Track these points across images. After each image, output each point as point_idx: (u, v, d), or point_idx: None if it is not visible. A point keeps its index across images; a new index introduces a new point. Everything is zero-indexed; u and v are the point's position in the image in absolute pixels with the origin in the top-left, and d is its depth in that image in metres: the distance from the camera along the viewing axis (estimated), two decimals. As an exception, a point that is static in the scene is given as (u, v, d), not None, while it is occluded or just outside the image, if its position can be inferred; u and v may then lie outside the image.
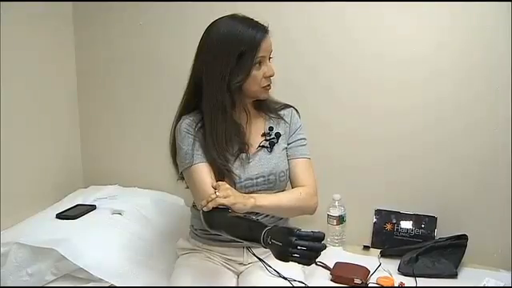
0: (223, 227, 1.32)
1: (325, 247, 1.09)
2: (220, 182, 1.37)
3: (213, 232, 1.41)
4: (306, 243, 1.07)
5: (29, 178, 1.99)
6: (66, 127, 2.23)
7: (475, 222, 1.75)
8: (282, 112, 1.57)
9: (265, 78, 1.44)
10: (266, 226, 1.17)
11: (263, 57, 1.42)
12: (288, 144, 1.55)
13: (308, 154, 1.55)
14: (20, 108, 1.95)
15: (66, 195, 2.08)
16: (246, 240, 1.26)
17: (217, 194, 1.31)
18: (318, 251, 1.08)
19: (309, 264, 1.09)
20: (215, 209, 1.31)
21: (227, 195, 1.32)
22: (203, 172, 1.43)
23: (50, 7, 2.07)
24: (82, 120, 2.27)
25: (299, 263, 1.09)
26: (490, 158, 1.74)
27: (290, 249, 1.07)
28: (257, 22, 1.42)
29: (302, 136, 1.56)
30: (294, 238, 1.08)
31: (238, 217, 1.31)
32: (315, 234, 1.09)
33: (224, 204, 1.30)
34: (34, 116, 2.02)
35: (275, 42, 1.45)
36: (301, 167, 1.53)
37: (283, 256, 1.09)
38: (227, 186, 1.36)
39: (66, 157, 2.22)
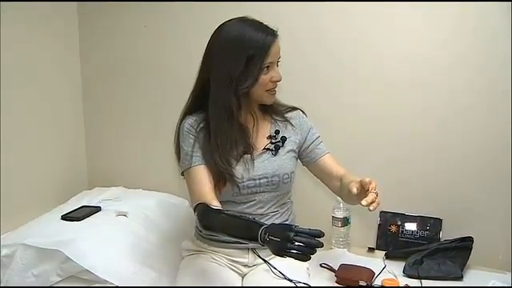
0: (220, 228, 1.32)
1: (322, 245, 1.10)
2: (368, 180, 1.30)
3: (208, 233, 1.41)
4: (304, 239, 1.09)
5: (34, 180, 2.00)
6: (70, 129, 2.23)
7: (481, 223, 1.74)
8: (288, 115, 1.57)
9: (271, 82, 1.44)
10: (263, 224, 1.18)
11: (271, 62, 1.41)
12: (307, 147, 1.55)
13: (327, 149, 1.57)
14: (25, 109, 1.96)
15: (71, 197, 2.09)
16: (243, 239, 1.26)
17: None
18: (314, 248, 1.09)
19: (305, 260, 1.10)
20: (209, 210, 1.33)
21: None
22: (200, 174, 1.43)
23: (55, 8, 2.08)
24: (87, 121, 2.28)
25: (296, 259, 1.10)
26: (496, 159, 1.73)
27: (289, 244, 1.09)
28: (266, 26, 1.42)
29: (316, 135, 1.57)
30: (292, 234, 1.10)
31: (234, 216, 1.32)
32: (312, 231, 1.10)
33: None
34: (38, 117, 2.03)
35: (279, 41, 1.44)
36: (330, 162, 1.55)
37: (281, 251, 1.10)
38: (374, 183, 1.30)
39: (71, 158, 2.23)
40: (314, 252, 1.10)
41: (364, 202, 1.25)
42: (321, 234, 1.11)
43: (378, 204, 1.27)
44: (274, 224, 1.20)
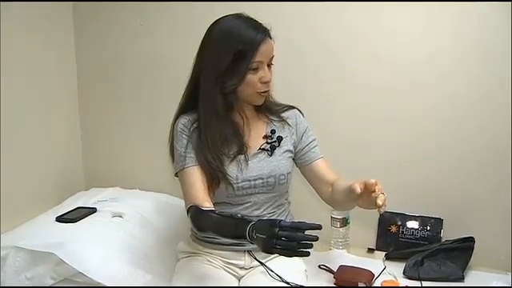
0: (210, 228, 1.30)
1: (316, 238, 1.07)
2: (374, 181, 1.24)
3: (202, 235, 1.39)
4: (289, 234, 1.06)
5: (29, 181, 1.98)
6: (66, 129, 2.22)
7: (482, 224, 1.72)
8: (284, 114, 1.54)
9: (261, 83, 1.40)
10: (251, 221, 1.15)
11: (261, 62, 1.37)
12: (301, 149, 1.52)
13: (321, 153, 1.54)
14: (20, 109, 1.93)
15: (67, 198, 2.07)
16: (233, 238, 1.24)
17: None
18: (300, 241, 1.06)
19: (291, 256, 1.07)
20: (201, 211, 1.31)
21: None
22: (194, 176, 1.41)
23: (50, 7, 2.06)
24: (83, 122, 2.26)
25: (283, 255, 1.07)
26: (497, 159, 1.71)
27: (275, 240, 1.06)
28: (260, 23, 1.39)
29: (312, 137, 1.54)
30: (277, 229, 1.07)
31: (223, 215, 1.29)
32: (296, 223, 1.08)
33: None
34: (34, 117, 2.01)
35: (276, 41, 1.41)
36: (322, 166, 1.52)
37: (267, 248, 1.08)
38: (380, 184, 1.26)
39: (66, 159, 2.21)
40: (302, 246, 1.06)
41: (379, 202, 1.21)
42: (306, 227, 1.07)
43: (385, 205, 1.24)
44: (260, 220, 1.16)
